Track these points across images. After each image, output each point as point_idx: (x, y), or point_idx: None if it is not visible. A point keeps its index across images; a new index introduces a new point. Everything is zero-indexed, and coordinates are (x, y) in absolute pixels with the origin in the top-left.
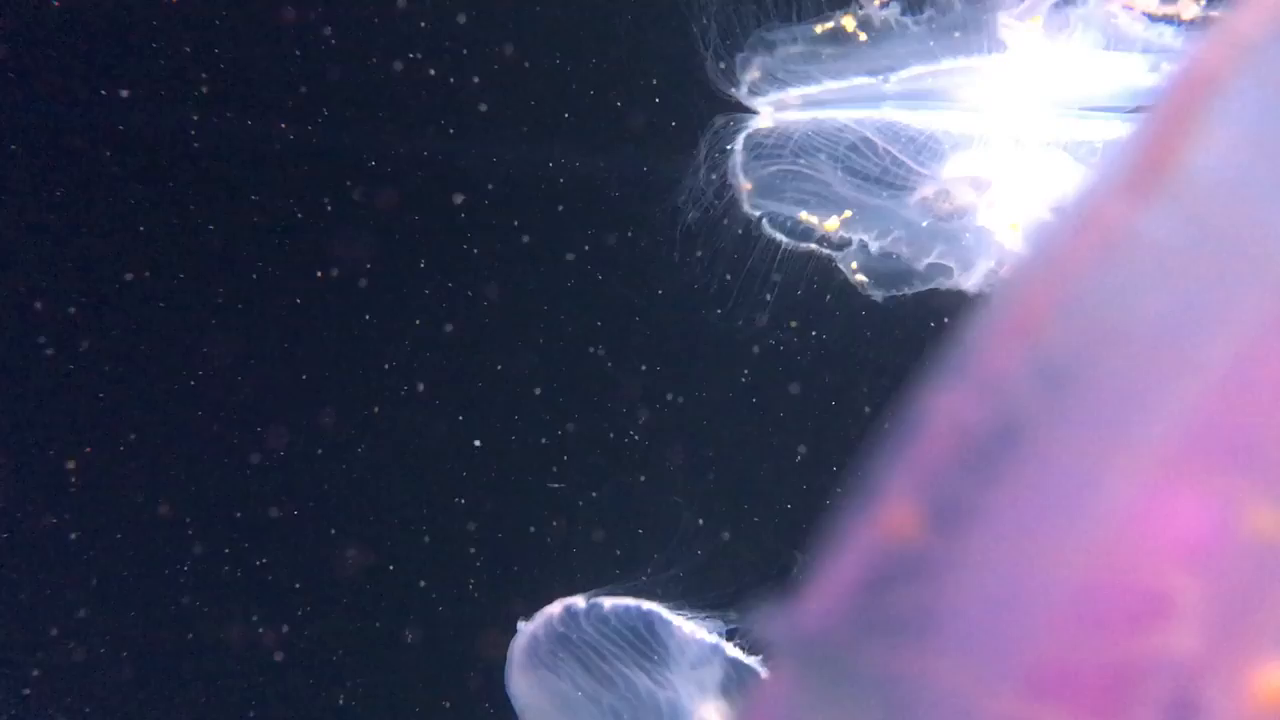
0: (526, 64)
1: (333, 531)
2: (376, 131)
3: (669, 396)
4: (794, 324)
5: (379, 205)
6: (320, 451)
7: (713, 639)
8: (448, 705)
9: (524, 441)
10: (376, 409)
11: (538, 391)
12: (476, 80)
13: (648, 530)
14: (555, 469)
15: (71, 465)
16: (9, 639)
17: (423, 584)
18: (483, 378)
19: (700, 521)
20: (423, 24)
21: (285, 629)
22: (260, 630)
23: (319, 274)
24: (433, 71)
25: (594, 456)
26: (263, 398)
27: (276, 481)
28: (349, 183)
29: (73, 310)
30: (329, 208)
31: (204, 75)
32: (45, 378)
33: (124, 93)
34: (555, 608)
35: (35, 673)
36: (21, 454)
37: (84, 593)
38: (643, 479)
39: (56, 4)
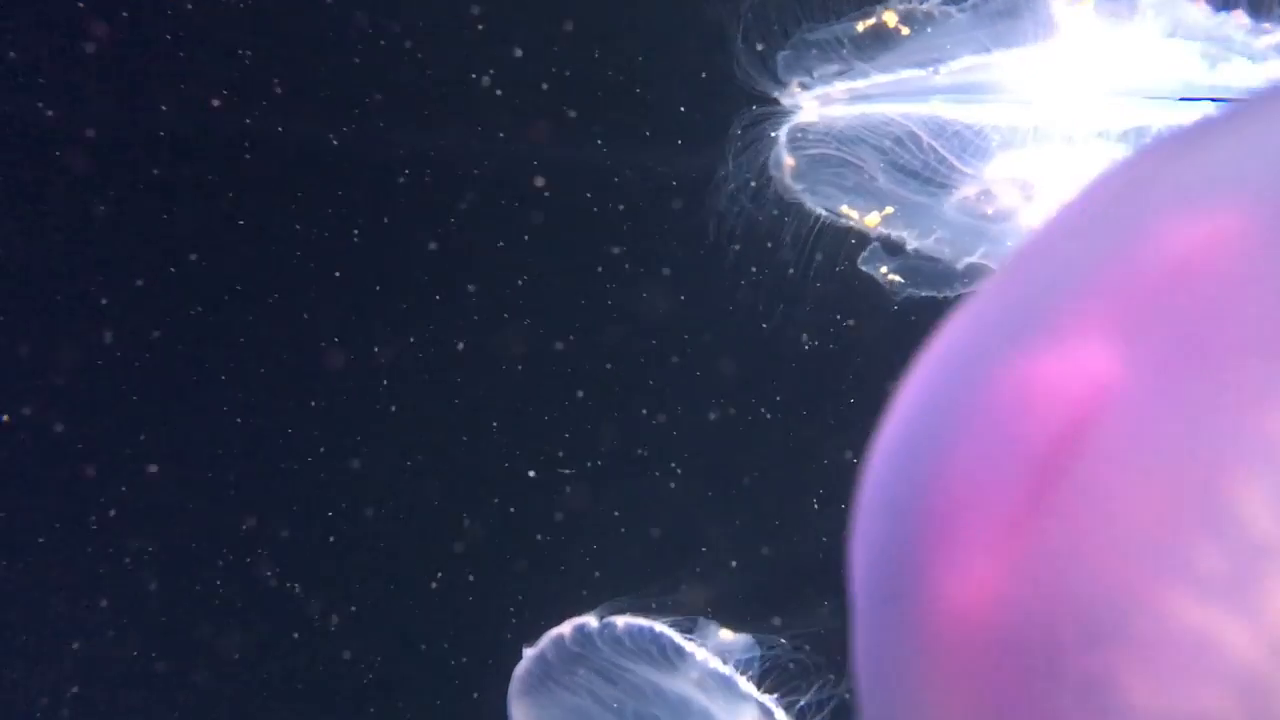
0: (569, 72)
1: (335, 537)
2: (410, 131)
3: (701, 402)
4: (850, 323)
5: (418, 204)
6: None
7: (727, 670)
8: (475, 696)
9: (554, 448)
10: (399, 407)
11: (580, 394)
12: (535, 83)
13: (676, 542)
14: (584, 476)
15: (154, 470)
16: (71, 640)
17: (436, 586)
18: (513, 380)
19: (732, 535)
20: (478, 26)
21: (295, 640)
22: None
23: (338, 273)
24: (490, 76)
25: (623, 462)
26: (300, 396)
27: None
28: (390, 183)
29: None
30: (374, 208)
31: (275, 80)
32: (111, 377)
33: (215, 102)
34: (565, 628)
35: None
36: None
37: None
38: (672, 485)
39: (125, 14)
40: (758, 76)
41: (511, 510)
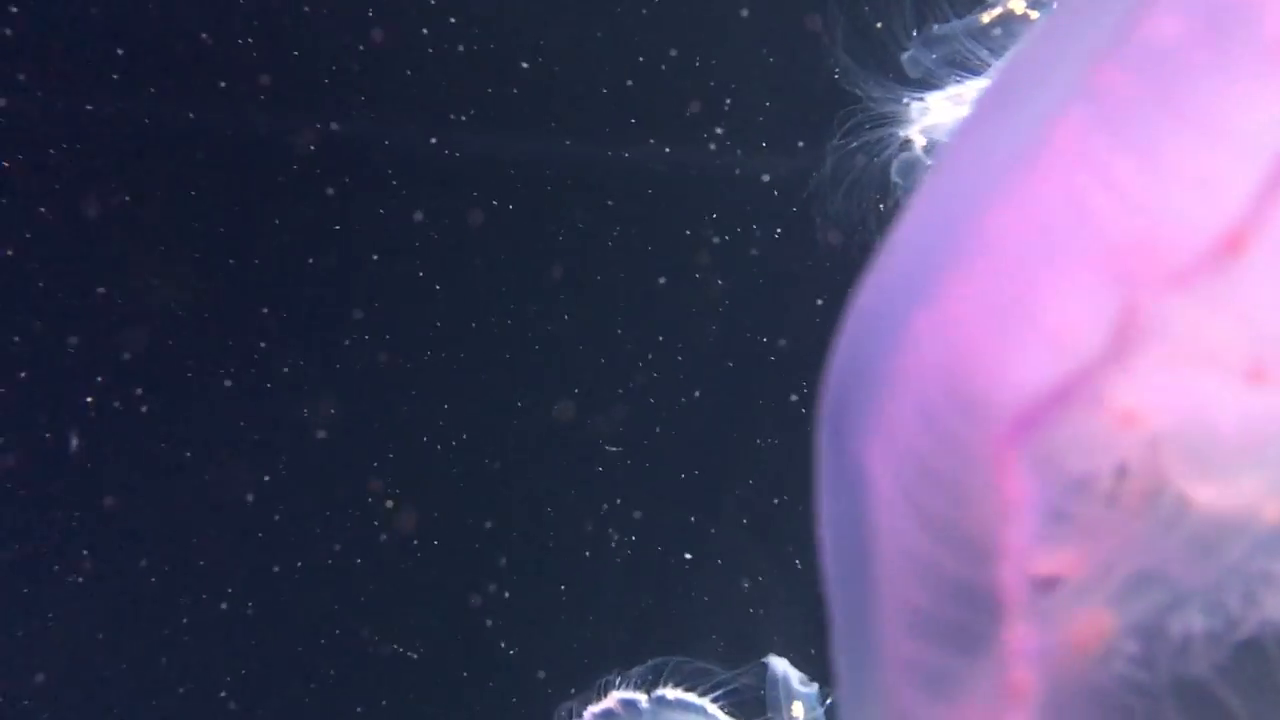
0: (691, 80)
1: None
2: (499, 135)
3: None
4: None
5: (509, 208)
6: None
7: None
8: None
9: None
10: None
11: (698, 394)
12: (630, 84)
13: (737, 595)
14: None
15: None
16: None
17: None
18: (602, 377)
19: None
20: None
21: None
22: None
23: (428, 274)
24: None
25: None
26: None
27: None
28: (482, 187)
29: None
30: (465, 213)
31: (363, 95)
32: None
33: (334, 126)
34: (612, 702)
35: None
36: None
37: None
38: (745, 521)
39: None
40: (884, 78)
41: (560, 543)
